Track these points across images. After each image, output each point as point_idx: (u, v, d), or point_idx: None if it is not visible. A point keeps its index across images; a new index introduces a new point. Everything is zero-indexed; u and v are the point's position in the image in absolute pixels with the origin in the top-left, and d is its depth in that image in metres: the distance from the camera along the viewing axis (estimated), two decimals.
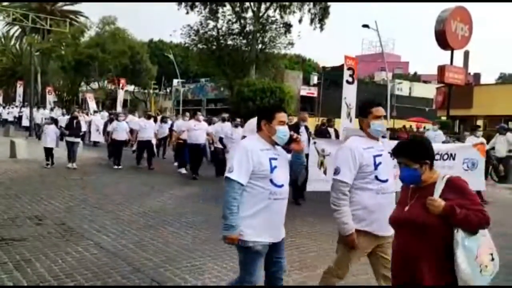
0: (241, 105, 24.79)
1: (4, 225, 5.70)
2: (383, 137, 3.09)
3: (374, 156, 3.05)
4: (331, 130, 9.71)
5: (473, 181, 7.06)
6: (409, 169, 2.36)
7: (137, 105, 48.02)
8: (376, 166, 3.04)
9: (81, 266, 4.31)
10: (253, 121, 7.73)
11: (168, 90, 57.20)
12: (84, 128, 16.10)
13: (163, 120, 15.12)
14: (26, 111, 25.61)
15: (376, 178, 3.04)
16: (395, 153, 2.43)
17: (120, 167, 11.96)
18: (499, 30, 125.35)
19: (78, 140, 11.97)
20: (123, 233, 5.55)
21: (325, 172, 7.31)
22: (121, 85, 32.54)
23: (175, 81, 47.55)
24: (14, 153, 12.93)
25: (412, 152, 2.37)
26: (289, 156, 3.07)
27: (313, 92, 43.06)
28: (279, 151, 2.98)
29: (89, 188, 8.73)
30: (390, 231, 2.79)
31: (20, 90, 37.25)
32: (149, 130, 12.38)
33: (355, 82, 10.70)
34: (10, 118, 28.85)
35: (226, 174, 2.81)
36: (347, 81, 10.57)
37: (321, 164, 7.37)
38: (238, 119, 10.65)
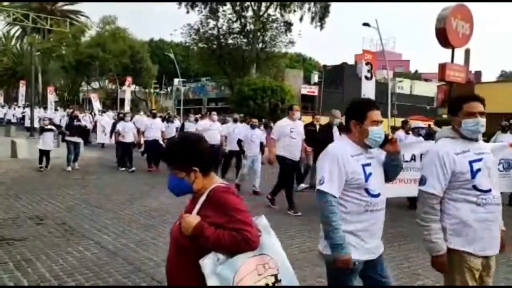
0: (242, 104, 24.81)
1: (4, 225, 5.70)
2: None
3: (471, 162, 2.52)
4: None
5: (510, 184, 6.72)
6: (175, 178, 1.98)
7: (138, 104, 48.05)
8: (474, 173, 2.50)
9: (82, 265, 4.31)
10: (282, 123, 7.49)
11: (168, 90, 57.27)
12: (88, 127, 15.99)
13: (169, 120, 14.67)
14: (29, 111, 25.48)
15: (475, 188, 2.51)
16: (162, 159, 2.03)
17: (133, 169, 11.36)
18: (500, 28, 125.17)
19: (80, 140, 11.58)
20: (124, 233, 5.56)
21: None
22: (127, 83, 31.70)
23: (175, 81, 47.58)
24: (15, 153, 12.94)
25: (174, 158, 1.97)
26: (382, 157, 2.66)
27: (313, 90, 43.05)
28: (372, 154, 2.60)
29: (90, 188, 8.74)
30: (494, 250, 2.51)
31: (22, 90, 37.31)
32: (155, 129, 11.79)
33: (374, 77, 10.34)
34: (14, 119, 28.78)
35: (318, 186, 2.48)
36: (366, 77, 10.20)
37: None
38: (255, 120, 10.07)
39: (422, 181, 2.61)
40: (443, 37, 22.36)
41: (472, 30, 23.27)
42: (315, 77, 46.09)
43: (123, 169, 11.53)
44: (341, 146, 2.57)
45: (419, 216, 2.58)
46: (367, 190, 2.48)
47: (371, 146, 2.56)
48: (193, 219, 1.83)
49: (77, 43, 41.82)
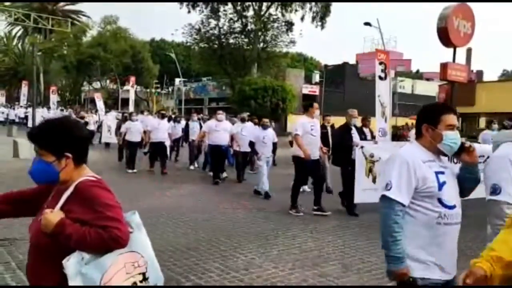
0: (243, 103, 24.81)
1: (7, 225, 5.70)
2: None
3: None
4: (366, 130, 8.12)
5: None
6: (42, 161, 1.72)
7: (139, 104, 48.09)
8: None
9: None
10: (302, 120, 7.09)
11: (170, 89, 57.28)
12: (92, 128, 15.67)
13: (176, 120, 14.29)
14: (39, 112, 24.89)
15: None
16: (30, 138, 1.78)
17: (134, 171, 11.19)
18: (502, 27, 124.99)
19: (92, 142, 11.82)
20: None
21: (374, 181, 6.72)
22: (130, 83, 31.23)
23: (177, 80, 47.60)
24: (17, 153, 12.97)
25: (47, 138, 1.72)
26: (456, 169, 2.40)
27: (315, 90, 43.00)
28: (446, 164, 2.35)
29: None
30: None
31: (24, 90, 37.35)
32: (162, 130, 11.37)
33: (388, 77, 10.04)
34: (16, 119, 28.63)
35: (383, 192, 2.24)
36: (380, 77, 9.86)
37: (369, 171, 6.78)
38: (266, 120, 9.65)
39: (496, 190, 2.42)
40: (444, 36, 22.33)
41: (473, 29, 23.23)
42: (316, 77, 46.07)
43: (131, 171, 11.17)
44: (411, 150, 2.33)
45: (494, 228, 2.38)
46: (440, 200, 2.21)
47: (445, 153, 2.30)
48: (55, 215, 1.62)
49: (79, 43, 41.90)
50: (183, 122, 14.92)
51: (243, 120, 10.93)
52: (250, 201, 7.92)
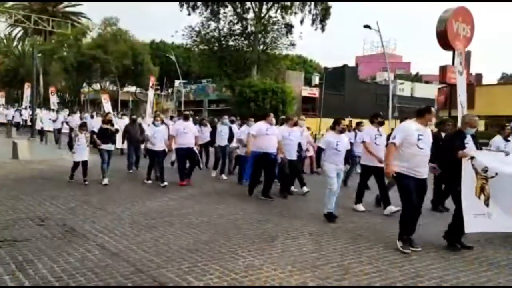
0: (243, 105, 24.83)
1: (6, 226, 5.71)
2: None
3: None
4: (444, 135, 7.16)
5: None
6: None
7: (139, 106, 48.12)
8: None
9: (83, 266, 4.32)
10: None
11: (169, 91, 57.32)
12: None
13: (202, 123, 12.54)
14: (39, 113, 23.28)
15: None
16: None
17: (165, 184, 9.37)
18: (501, 31, 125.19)
19: (113, 147, 10.12)
20: (125, 234, 5.56)
21: (486, 203, 5.23)
22: (150, 83, 29.88)
23: (176, 82, 47.68)
24: (16, 154, 12.97)
25: None
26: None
27: (314, 92, 43.10)
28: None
29: (91, 189, 8.75)
30: None
31: (27, 91, 37.22)
32: (189, 134, 9.85)
33: (464, 73, 8.87)
34: (19, 121, 27.90)
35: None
36: (459, 72, 8.92)
37: (481, 190, 5.19)
38: (345, 122, 8.04)
39: None
40: (444, 39, 22.39)
41: (473, 33, 23.28)
42: (316, 79, 46.15)
43: (150, 181, 9.95)
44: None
45: None
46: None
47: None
48: None
49: (79, 44, 41.93)
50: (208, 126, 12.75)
51: (293, 124, 9.13)
52: (250, 203, 7.92)
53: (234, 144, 11.31)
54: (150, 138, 9.94)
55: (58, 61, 44.06)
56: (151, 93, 26.80)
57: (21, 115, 28.19)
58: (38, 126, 20.39)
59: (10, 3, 43.06)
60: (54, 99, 34.69)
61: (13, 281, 3.93)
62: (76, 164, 9.42)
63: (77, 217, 6.33)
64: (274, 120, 8.63)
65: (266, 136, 8.24)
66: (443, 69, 20.98)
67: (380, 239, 5.78)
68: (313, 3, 28.66)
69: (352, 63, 55.03)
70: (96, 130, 9.97)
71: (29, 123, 24.22)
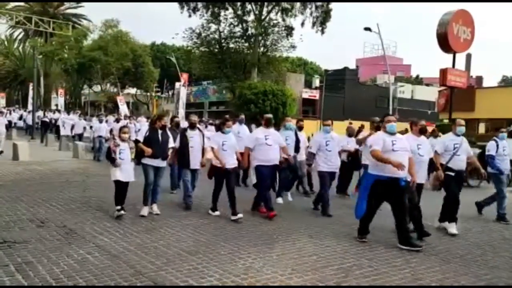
0: (243, 107, 24.82)
1: (6, 227, 5.71)
2: None
3: None
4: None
5: None
6: None
7: (139, 108, 48.15)
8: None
9: (83, 268, 4.31)
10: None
11: (170, 93, 57.33)
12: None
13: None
14: (60, 116, 22.86)
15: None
16: None
17: (240, 216, 6.65)
18: (501, 33, 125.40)
19: (164, 164, 7.08)
20: (125, 236, 5.55)
21: None
22: (183, 81, 26.47)
23: (177, 84, 47.68)
24: (16, 156, 12.97)
25: None
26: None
27: (315, 95, 43.10)
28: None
29: (90, 191, 8.74)
30: None
31: (31, 93, 37.12)
32: (274, 146, 7.15)
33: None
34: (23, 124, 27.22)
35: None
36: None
37: None
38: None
39: None
40: (444, 42, 22.39)
41: (473, 35, 23.26)
42: (316, 81, 46.17)
43: (218, 213, 7.05)
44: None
45: None
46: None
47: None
48: None
49: (79, 46, 41.96)
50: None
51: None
52: (249, 205, 7.90)
53: (303, 155, 8.90)
54: (215, 151, 6.93)
55: (59, 63, 44.11)
56: (183, 91, 24.94)
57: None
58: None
59: (11, 5, 43.23)
60: (61, 101, 34.60)
61: (13, 282, 3.92)
62: (119, 185, 6.61)
63: (76, 219, 6.33)
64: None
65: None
66: (444, 72, 21.02)
67: (380, 242, 5.77)
68: (314, 6, 28.68)
69: (352, 66, 55.11)
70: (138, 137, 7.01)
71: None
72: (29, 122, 23.66)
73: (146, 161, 6.79)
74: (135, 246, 5.11)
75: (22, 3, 46.70)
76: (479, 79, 44.51)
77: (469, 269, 4.87)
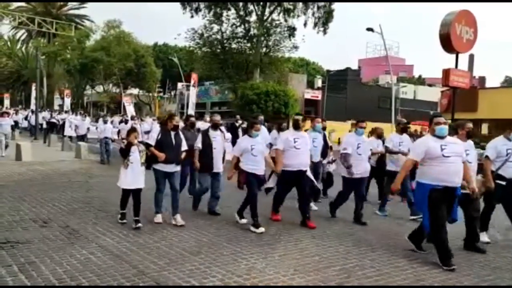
0: (245, 108, 24.83)
1: (9, 228, 5.73)
2: None
3: None
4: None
5: None
6: None
7: (142, 108, 48.21)
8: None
9: (86, 268, 4.32)
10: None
11: (172, 94, 57.40)
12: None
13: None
14: (67, 116, 22.51)
15: None
16: None
17: (262, 230, 6.06)
18: (504, 34, 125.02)
19: (178, 169, 6.52)
20: (128, 236, 5.56)
21: None
22: (192, 81, 25.59)
23: (179, 84, 47.67)
24: (19, 156, 13.01)
25: None
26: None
27: (317, 95, 43.07)
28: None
29: (93, 191, 8.76)
30: None
31: (34, 93, 37.13)
32: (303, 150, 6.59)
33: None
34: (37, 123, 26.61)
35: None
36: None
37: None
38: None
39: None
40: (447, 42, 22.36)
41: (476, 36, 23.24)
42: (318, 82, 46.14)
43: (262, 229, 6.07)
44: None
45: None
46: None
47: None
48: None
49: (82, 47, 42.04)
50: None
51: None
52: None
53: (330, 160, 8.70)
54: (243, 156, 6.33)
55: (61, 63, 44.21)
56: (193, 91, 24.62)
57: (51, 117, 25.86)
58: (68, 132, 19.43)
59: (14, 5, 43.39)
60: (68, 102, 34.61)
61: (16, 282, 3.94)
62: (126, 194, 6.23)
63: (79, 219, 6.34)
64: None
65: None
66: (446, 72, 20.96)
67: (382, 243, 5.77)
68: (316, 6, 28.69)
69: (354, 66, 55.06)
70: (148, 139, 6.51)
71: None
72: (33, 122, 23.09)
73: (158, 166, 6.27)
74: (138, 246, 5.12)
75: (25, 4, 46.84)
76: (482, 79, 44.34)
77: (471, 269, 4.86)
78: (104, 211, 6.94)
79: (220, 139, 7.10)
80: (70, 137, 18.97)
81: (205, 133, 7.12)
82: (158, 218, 6.34)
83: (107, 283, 4.01)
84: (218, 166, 7.00)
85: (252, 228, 6.07)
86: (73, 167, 12.26)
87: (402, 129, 8.11)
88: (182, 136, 6.53)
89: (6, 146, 13.79)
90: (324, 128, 8.82)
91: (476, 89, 25.98)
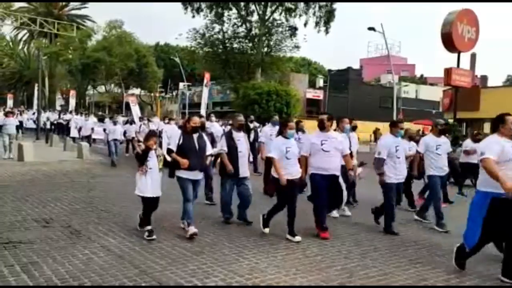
0: (247, 108, 24.83)
1: (11, 228, 5.74)
2: None
3: None
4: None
5: None
6: None
7: (143, 108, 48.26)
8: None
9: (88, 268, 4.33)
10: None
11: (174, 93, 57.46)
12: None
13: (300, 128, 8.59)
14: (72, 117, 22.65)
15: None
16: None
17: (299, 238, 5.70)
18: (506, 32, 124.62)
19: (202, 176, 6.17)
20: (130, 236, 5.57)
21: None
22: (205, 80, 25.47)
23: (181, 84, 47.74)
24: (21, 156, 13.04)
25: None
26: None
27: (319, 95, 43.06)
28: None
29: (95, 191, 8.77)
30: None
31: (36, 93, 37.11)
32: (333, 152, 5.96)
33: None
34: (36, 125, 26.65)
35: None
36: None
37: None
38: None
39: None
40: (449, 41, 22.26)
41: (478, 35, 23.12)
42: (320, 81, 46.12)
43: (299, 238, 5.70)
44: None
45: None
46: None
47: None
48: None
49: (84, 47, 42.14)
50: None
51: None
52: (254, 206, 7.90)
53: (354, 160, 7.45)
54: (276, 160, 5.74)
55: (63, 64, 44.34)
56: (205, 91, 24.66)
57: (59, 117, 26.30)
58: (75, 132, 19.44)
59: (16, 6, 43.50)
60: (73, 102, 34.70)
61: (18, 282, 3.94)
62: (149, 202, 5.70)
63: (81, 219, 6.35)
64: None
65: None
66: (448, 72, 20.93)
67: (384, 242, 5.76)
68: (317, 6, 28.68)
69: (356, 66, 54.98)
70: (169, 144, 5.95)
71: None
72: (41, 123, 22.84)
73: (181, 173, 5.68)
74: (140, 246, 5.13)
75: (26, 4, 46.97)
76: (484, 78, 44.26)
77: (475, 269, 4.84)
78: (106, 211, 6.95)
79: (244, 141, 6.60)
80: (73, 138, 18.95)
81: (229, 135, 6.57)
82: (192, 229, 5.58)
83: (109, 283, 4.01)
84: (245, 170, 6.47)
85: (289, 237, 5.70)
86: (75, 167, 12.28)
87: (440, 131, 6.93)
88: (205, 138, 6.04)
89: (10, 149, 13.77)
90: (354, 128, 8.20)
91: (478, 88, 25.91)
